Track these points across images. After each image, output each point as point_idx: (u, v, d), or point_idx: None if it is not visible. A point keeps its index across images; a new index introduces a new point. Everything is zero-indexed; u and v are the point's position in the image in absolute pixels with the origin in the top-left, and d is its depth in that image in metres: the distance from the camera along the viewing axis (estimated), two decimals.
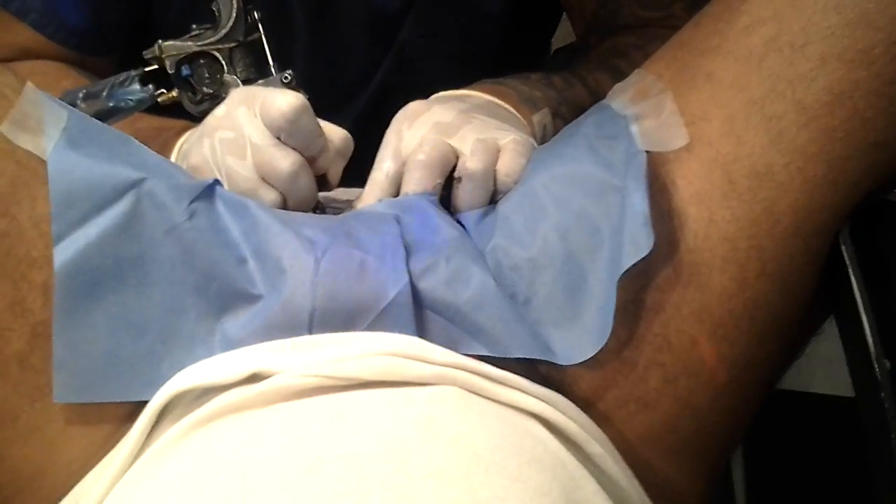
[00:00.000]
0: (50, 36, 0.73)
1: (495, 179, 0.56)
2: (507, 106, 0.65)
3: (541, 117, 0.67)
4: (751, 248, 0.49)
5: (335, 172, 0.59)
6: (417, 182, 0.56)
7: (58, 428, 0.47)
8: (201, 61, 0.62)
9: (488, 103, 0.65)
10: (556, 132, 0.66)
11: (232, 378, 0.45)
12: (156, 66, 0.62)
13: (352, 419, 0.42)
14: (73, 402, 0.46)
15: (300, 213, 0.56)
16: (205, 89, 0.62)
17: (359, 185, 0.61)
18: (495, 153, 0.57)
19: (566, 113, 0.70)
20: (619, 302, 0.48)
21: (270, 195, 0.56)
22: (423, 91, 0.67)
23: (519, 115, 0.65)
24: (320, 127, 0.57)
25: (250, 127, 0.55)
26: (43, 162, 0.48)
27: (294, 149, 0.56)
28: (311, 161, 0.57)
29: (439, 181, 0.56)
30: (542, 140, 0.66)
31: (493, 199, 0.57)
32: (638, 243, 0.48)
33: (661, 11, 0.81)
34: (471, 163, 0.56)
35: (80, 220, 0.48)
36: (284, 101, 0.54)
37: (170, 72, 0.62)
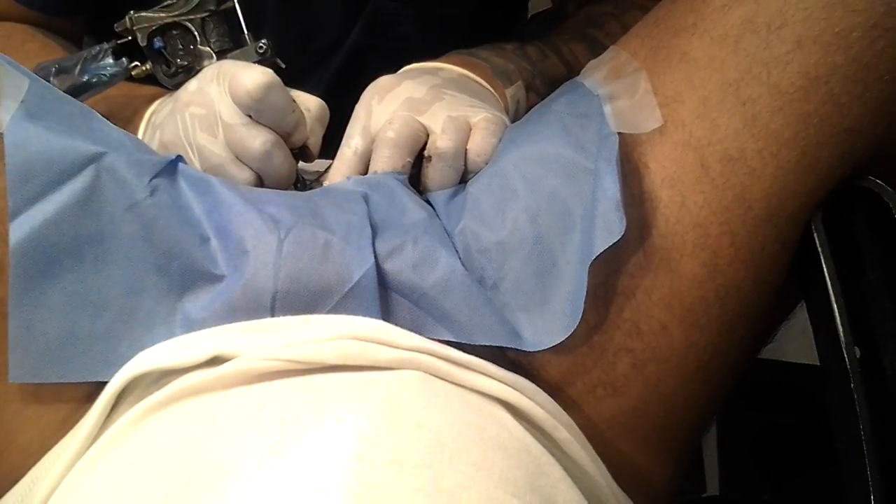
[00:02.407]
0: None
1: (466, 159, 0.57)
2: (479, 80, 0.65)
3: (514, 91, 0.67)
4: (722, 234, 0.49)
5: (314, 143, 0.60)
6: (386, 160, 0.56)
7: (14, 409, 0.47)
8: (174, 32, 0.61)
9: (461, 77, 0.65)
10: (530, 106, 0.66)
11: (192, 361, 0.45)
12: (129, 38, 0.62)
13: (314, 404, 0.42)
14: (28, 382, 0.46)
15: (265, 190, 0.56)
16: (178, 61, 0.62)
17: (329, 153, 0.61)
18: (466, 132, 0.57)
19: (540, 86, 0.70)
20: (588, 286, 0.48)
21: (244, 174, 0.56)
22: (396, 55, 0.67)
23: (492, 90, 0.65)
24: (293, 101, 0.57)
25: (221, 104, 0.55)
26: None
27: (267, 126, 0.56)
28: (285, 136, 0.57)
29: (409, 160, 0.56)
30: (516, 114, 0.67)
31: (464, 179, 0.58)
32: (610, 228, 0.48)
33: None
34: (441, 142, 0.56)
35: (37, 195, 0.47)
36: (250, 78, 0.54)
37: (141, 44, 0.61)
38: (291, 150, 0.59)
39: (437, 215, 0.55)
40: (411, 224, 0.52)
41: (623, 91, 0.52)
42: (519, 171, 0.53)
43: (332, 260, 0.49)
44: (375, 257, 0.49)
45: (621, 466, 0.51)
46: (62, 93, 0.53)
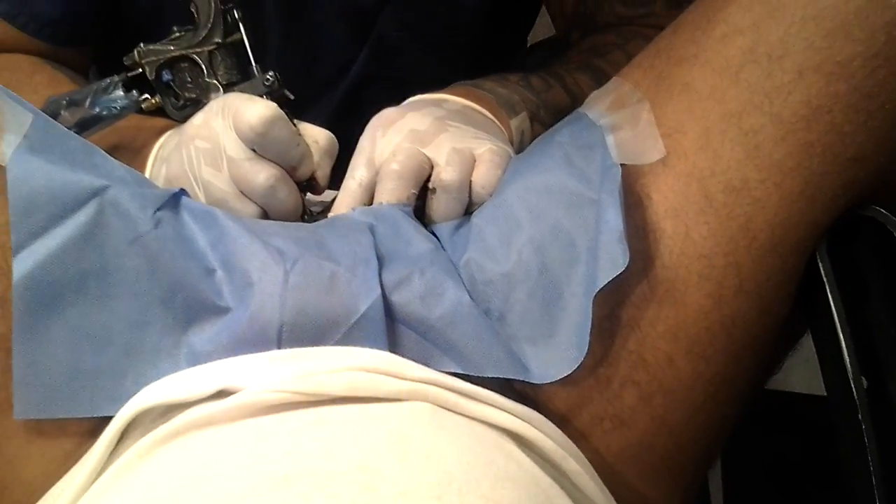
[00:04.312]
0: (21, 27, 0.73)
1: (470, 191, 0.58)
2: (484, 111, 0.66)
3: (519, 122, 0.68)
4: (727, 264, 0.50)
5: (323, 175, 0.60)
6: (391, 192, 0.57)
7: (18, 444, 0.47)
8: (182, 65, 0.63)
9: (465, 108, 0.66)
10: (534, 137, 0.67)
11: (198, 394, 0.46)
12: (138, 71, 0.63)
13: (320, 435, 0.43)
14: (33, 418, 0.47)
15: (270, 223, 0.56)
16: (187, 94, 0.63)
17: (334, 183, 0.62)
18: (471, 164, 0.58)
19: (545, 116, 0.71)
20: (594, 318, 0.49)
21: (248, 209, 0.57)
22: (400, 85, 0.68)
23: (496, 121, 0.66)
24: (298, 134, 0.58)
25: (225, 138, 0.56)
26: (1, 168, 0.49)
27: (272, 159, 0.57)
28: (291, 170, 0.58)
29: (413, 192, 0.57)
30: (521, 146, 0.67)
31: (468, 210, 0.59)
32: (613, 260, 0.49)
33: (642, 9, 0.83)
34: (445, 174, 0.57)
35: (41, 229, 0.48)
36: (254, 112, 0.55)
37: (150, 78, 0.62)
38: (298, 182, 0.59)
39: (443, 247, 0.55)
40: (417, 255, 0.53)
41: (626, 122, 0.53)
42: (523, 202, 0.54)
43: (338, 291, 0.49)
44: (382, 289, 0.50)
45: (629, 500, 0.51)
46: (65, 128, 0.54)
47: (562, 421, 0.51)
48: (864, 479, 0.48)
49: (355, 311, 0.49)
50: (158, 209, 0.51)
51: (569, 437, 0.50)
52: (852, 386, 0.49)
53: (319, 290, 0.49)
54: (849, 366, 0.49)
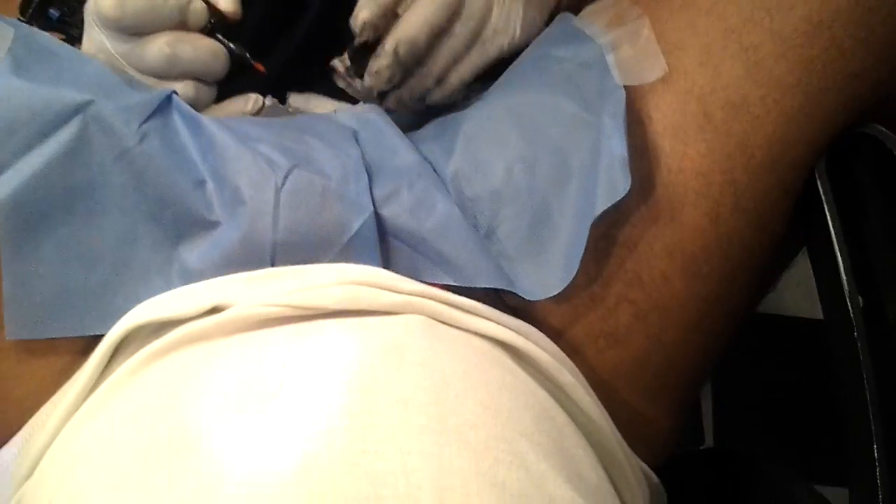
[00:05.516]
0: None
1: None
2: None
3: None
4: (725, 182, 0.50)
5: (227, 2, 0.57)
6: None
7: (10, 363, 0.48)
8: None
9: None
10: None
11: (192, 311, 0.46)
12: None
13: (314, 347, 0.43)
14: (25, 338, 0.47)
15: (255, 121, 0.56)
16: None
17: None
18: None
19: None
20: (589, 238, 0.49)
21: (177, 86, 0.55)
22: None
23: None
24: None
25: (106, 42, 0.54)
26: None
27: (151, 32, 0.54)
28: (181, 26, 0.55)
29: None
30: None
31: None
32: (614, 185, 0.49)
33: None
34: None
35: (23, 148, 0.48)
36: (103, 2, 0.52)
37: (35, 19, 0.57)
38: (203, 31, 0.56)
39: (424, 153, 0.55)
40: (405, 167, 0.53)
41: (626, 39, 0.53)
42: (516, 118, 0.54)
43: (330, 209, 0.49)
44: (373, 203, 0.50)
45: (622, 416, 0.52)
46: (49, 36, 0.53)
47: (556, 337, 0.51)
48: (859, 399, 0.48)
49: (349, 228, 0.49)
50: (146, 120, 0.51)
51: (564, 353, 0.50)
52: (849, 305, 0.49)
53: (311, 209, 0.49)
54: (845, 284, 0.49)
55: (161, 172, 0.50)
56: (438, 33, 0.56)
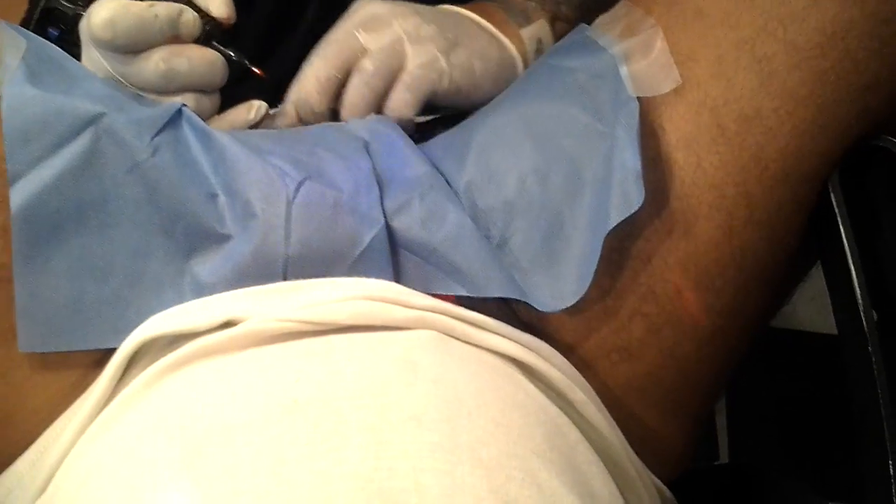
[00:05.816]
0: None
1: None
2: (482, 21, 0.64)
3: (533, 31, 0.66)
4: (738, 195, 0.50)
5: (219, 6, 0.57)
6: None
7: (23, 374, 0.48)
8: (60, 15, 0.57)
9: (454, 14, 0.64)
10: (556, 37, 0.66)
11: (206, 325, 0.46)
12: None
13: (328, 362, 0.43)
14: (38, 350, 0.47)
15: (265, 133, 0.56)
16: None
17: None
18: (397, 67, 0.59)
19: (567, 12, 0.68)
20: (602, 250, 0.49)
21: (178, 98, 0.55)
22: None
23: (498, 33, 0.64)
24: (150, 6, 0.54)
25: (103, 61, 0.54)
26: None
27: (146, 49, 0.54)
28: (174, 39, 0.55)
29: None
30: (538, 53, 0.66)
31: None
32: (627, 199, 0.48)
33: None
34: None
35: (37, 158, 0.48)
36: (93, 25, 0.52)
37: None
38: (199, 40, 0.56)
39: (436, 163, 0.55)
40: (416, 179, 0.53)
41: (639, 50, 0.53)
42: (529, 128, 0.54)
43: (342, 223, 0.50)
44: (384, 215, 0.50)
45: (635, 431, 0.52)
46: (60, 51, 0.53)
47: (568, 352, 0.51)
48: (873, 414, 0.48)
49: (360, 242, 0.50)
50: (157, 133, 0.51)
51: (575, 367, 0.50)
52: (863, 318, 0.49)
53: (323, 222, 0.49)
54: (859, 298, 0.49)
55: (173, 186, 0.50)
56: (337, 82, 0.59)
